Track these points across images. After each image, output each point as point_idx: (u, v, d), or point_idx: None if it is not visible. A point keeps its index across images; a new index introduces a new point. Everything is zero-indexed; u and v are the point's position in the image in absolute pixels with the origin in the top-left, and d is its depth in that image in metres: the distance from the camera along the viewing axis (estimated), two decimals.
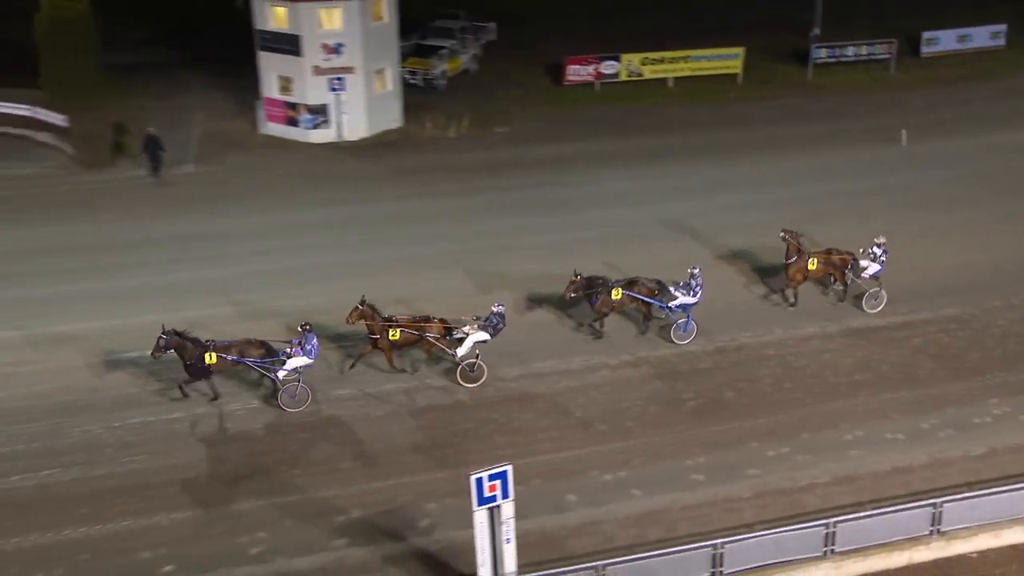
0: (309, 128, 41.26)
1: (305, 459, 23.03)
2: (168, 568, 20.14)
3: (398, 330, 25.15)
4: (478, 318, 25.49)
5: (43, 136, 41.29)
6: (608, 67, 47.13)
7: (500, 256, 31.24)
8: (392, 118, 42.53)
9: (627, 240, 32.29)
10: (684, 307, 26.87)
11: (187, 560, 20.26)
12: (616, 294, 26.83)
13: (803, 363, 26.52)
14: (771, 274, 30.07)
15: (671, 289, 26.89)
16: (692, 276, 26.63)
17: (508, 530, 18.34)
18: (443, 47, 47.52)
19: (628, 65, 47.19)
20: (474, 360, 25.33)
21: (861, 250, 28.37)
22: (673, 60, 47.56)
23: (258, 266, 31.11)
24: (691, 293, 26.63)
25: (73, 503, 21.83)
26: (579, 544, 20.60)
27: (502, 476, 17.86)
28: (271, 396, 24.77)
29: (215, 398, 24.80)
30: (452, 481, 21.11)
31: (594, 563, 19.31)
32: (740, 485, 22.13)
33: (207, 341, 24.48)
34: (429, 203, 35.41)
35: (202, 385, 24.70)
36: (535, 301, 28.85)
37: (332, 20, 40.09)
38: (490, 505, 18.01)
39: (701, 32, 49.96)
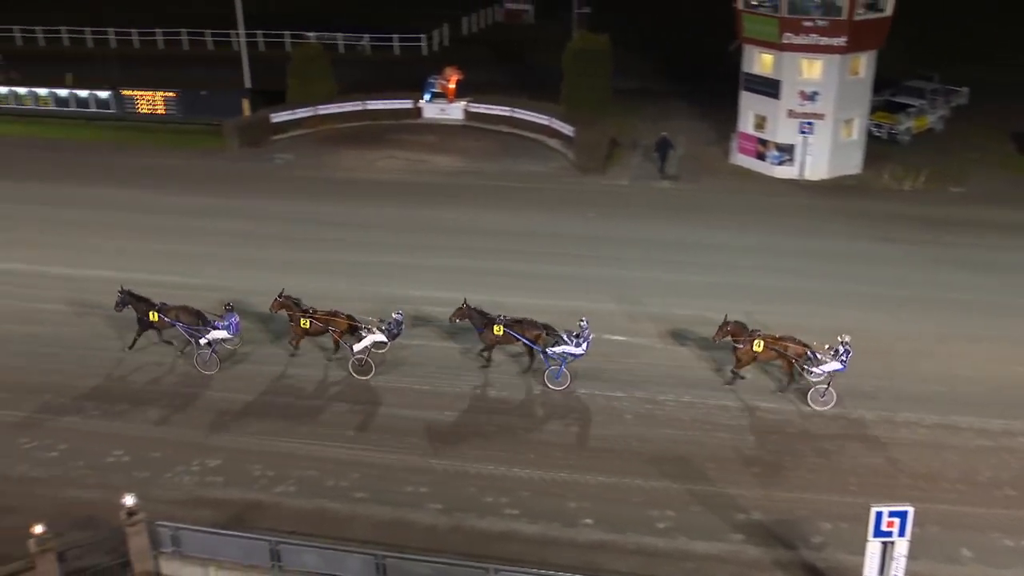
0: (775, 164, 40.55)
1: (719, 457, 22.76)
2: (587, 520, 20.78)
3: (309, 320, 25.65)
4: (382, 321, 25.42)
5: (553, 142, 43.89)
6: None
7: (932, 306, 29.04)
8: (852, 164, 40.75)
9: None
10: (565, 355, 24.71)
11: (604, 517, 20.79)
12: (497, 330, 25.25)
13: None
14: None
15: (562, 335, 24.78)
16: (581, 328, 24.45)
17: (898, 567, 17.06)
18: (912, 105, 44.81)
19: None
20: (363, 356, 25.47)
21: (827, 346, 23.95)
22: None
23: (710, 278, 31.07)
24: (576, 344, 24.35)
25: (525, 448, 23.13)
26: None
27: (903, 515, 16.65)
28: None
29: (168, 343, 27.07)
30: (849, 507, 20.02)
31: None
32: None
33: (159, 303, 26.49)
34: (874, 246, 33.53)
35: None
36: (955, 354, 26.61)
37: (812, 70, 39.04)
38: (885, 539, 16.86)
39: None
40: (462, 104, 47.29)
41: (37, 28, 66.44)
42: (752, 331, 24.84)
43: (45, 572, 17.97)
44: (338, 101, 47.80)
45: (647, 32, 62.09)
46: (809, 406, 24.31)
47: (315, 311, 26.11)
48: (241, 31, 48.85)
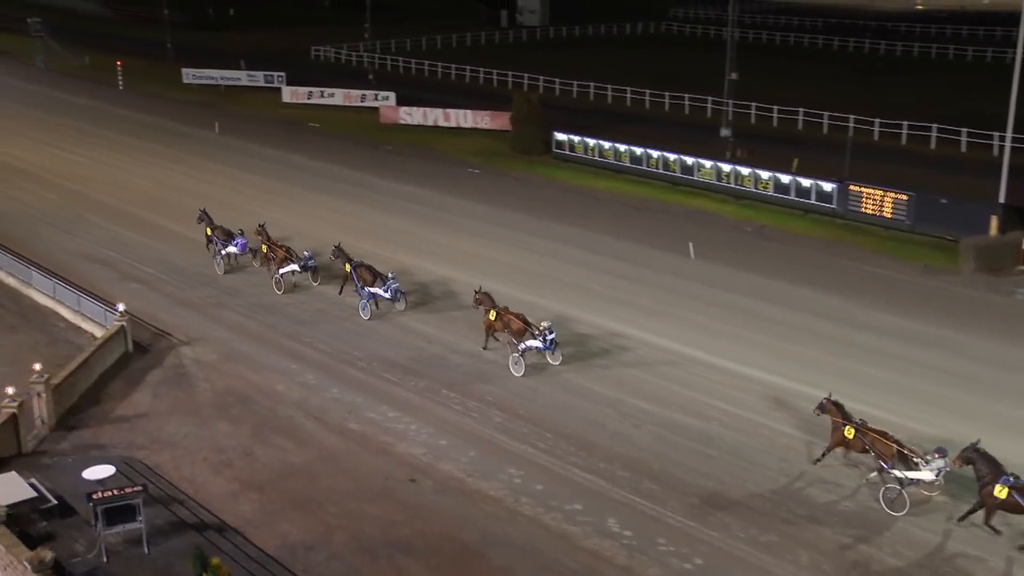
0: None
1: None
2: None
3: (267, 247, 39.45)
4: (298, 258, 38.35)
5: None
6: None
7: None
8: None
9: None
10: (374, 295, 35.81)
11: None
12: (347, 267, 36.62)
13: None
14: None
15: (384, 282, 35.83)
16: (392, 278, 35.84)
17: None
18: None
19: None
20: (279, 277, 38.47)
21: (543, 325, 31.26)
22: None
23: None
24: (384, 289, 35.67)
25: None
26: None
27: None
28: None
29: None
30: None
31: None
32: None
33: (218, 226, 40.93)
34: None
35: None
36: None
37: None
38: None
39: None
40: None
41: (774, 107, 69.02)
42: (503, 307, 32.58)
43: None
44: None
45: None
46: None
47: (273, 242, 39.28)
48: (1008, 134, 44.81)
